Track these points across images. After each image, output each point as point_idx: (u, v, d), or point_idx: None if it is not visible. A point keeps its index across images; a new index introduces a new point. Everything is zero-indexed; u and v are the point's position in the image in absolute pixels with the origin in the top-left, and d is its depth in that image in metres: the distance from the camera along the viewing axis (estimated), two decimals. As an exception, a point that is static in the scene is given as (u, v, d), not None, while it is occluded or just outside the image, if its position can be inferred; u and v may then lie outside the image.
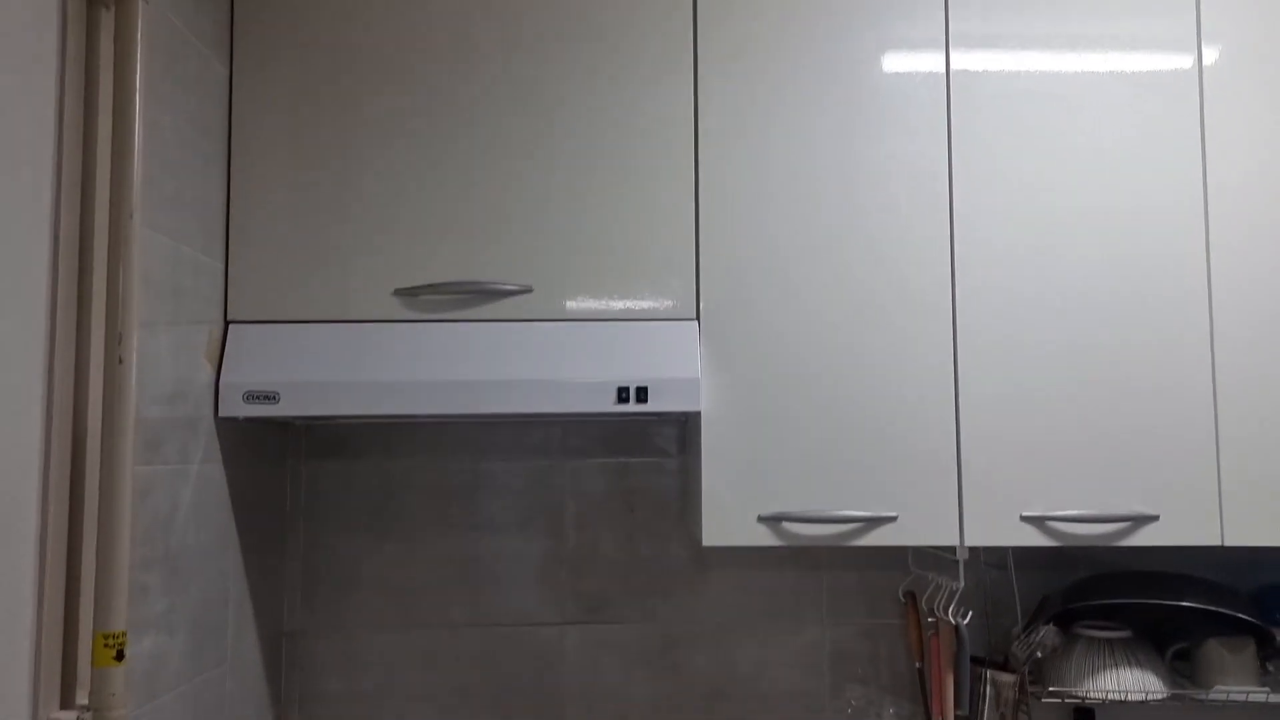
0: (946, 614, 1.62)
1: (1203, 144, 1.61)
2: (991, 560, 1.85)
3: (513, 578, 1.87)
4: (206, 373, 1.48)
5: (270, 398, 1.50)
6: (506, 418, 1.63)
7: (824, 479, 1.56)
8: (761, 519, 1.55)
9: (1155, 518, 1.54)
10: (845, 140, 1.60)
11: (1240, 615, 1.62)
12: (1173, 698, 1.65)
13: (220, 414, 1.49)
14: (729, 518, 1.55)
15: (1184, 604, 1.62)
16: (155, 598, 1.30)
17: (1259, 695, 1.62)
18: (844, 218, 1.59)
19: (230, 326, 1.54)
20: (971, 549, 1.82)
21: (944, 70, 1.61)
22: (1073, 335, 1.58)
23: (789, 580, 1.88)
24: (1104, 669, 1.64)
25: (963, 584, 1.59)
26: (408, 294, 1.56)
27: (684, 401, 1.53)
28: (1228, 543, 1.55)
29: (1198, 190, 1.60)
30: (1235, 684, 1.64)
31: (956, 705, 1.63)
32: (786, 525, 1.55)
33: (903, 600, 1.83)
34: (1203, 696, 1.64)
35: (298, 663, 1.84)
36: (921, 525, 1.55)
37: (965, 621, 1.61)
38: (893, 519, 1.54)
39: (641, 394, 1.52)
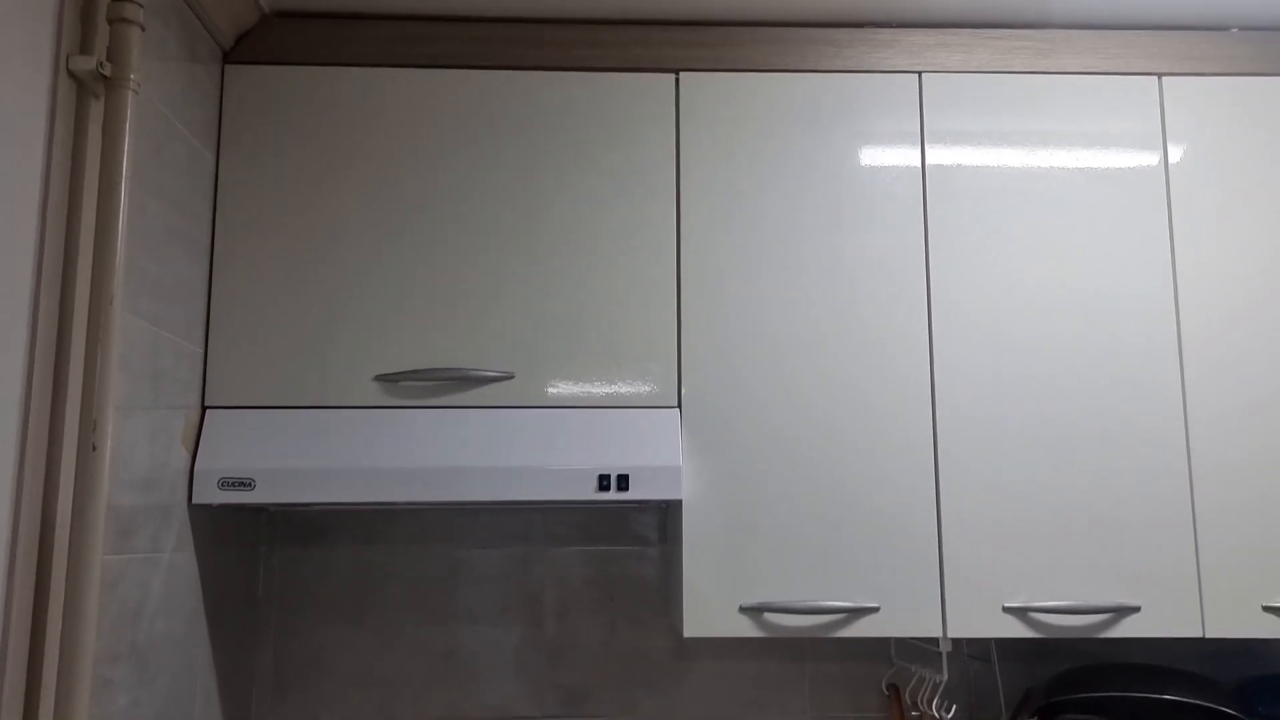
0: (931, 708, 1.60)
1: (1170, 236, 1.65)
2: (975, 652, 1.83)
3: (491, 669, 1.83)
4: (182, 459, 1.46)
5: (245, 484, 1.48)
6: (487, 505, 1.62)
7: (806, 569, 1.55)
8: (743, 609, 1.53)
9: (1137, 609, 1.54)
10: (825, 233, 1.63)
11: (1223, 709, 1.60)
12: (1161, 795, 1.62)
13: (194, 500, 1.47)
14: (710, 608, 1.53)
15: (1167, 697, 1.60)
16: (120, 692, 1.26)
17: (1247, 792, 1.59)
18: (824, 308, 1.61)
19: (207, 412, 1.53)
20: (955, 641, 1.80)
21: (920, 165, 1.66)
22: (1051, 425, 1.59)
23: (771, 671, 1.85)
24: (1090, 765, 1.61)
25: (946, 676, 1.57)
26: (388, 380, 1.55)
27: (665, 489, 1.52)
28: (1209, 634, 1.54)
29: (1167, 280, 1.64)
30: (1223, 780, 1.61)
31: (943, 803, 1.60)
32: (769, 616, 1.53)
33: (886, 693, 1.80)
34: (1190, 794, 1.61)
35: (264, 758, 1.78)
36: (904, 616, 1.53)
37: (950, 716, 1.59)
38: (875, 610, 1.53)
39: (623, 482, 1.51)
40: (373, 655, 1.82)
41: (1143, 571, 1.55)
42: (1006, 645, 1.82)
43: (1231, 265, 1.65)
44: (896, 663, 1.80)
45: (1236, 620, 1.54)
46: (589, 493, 1.51)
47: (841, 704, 1.84)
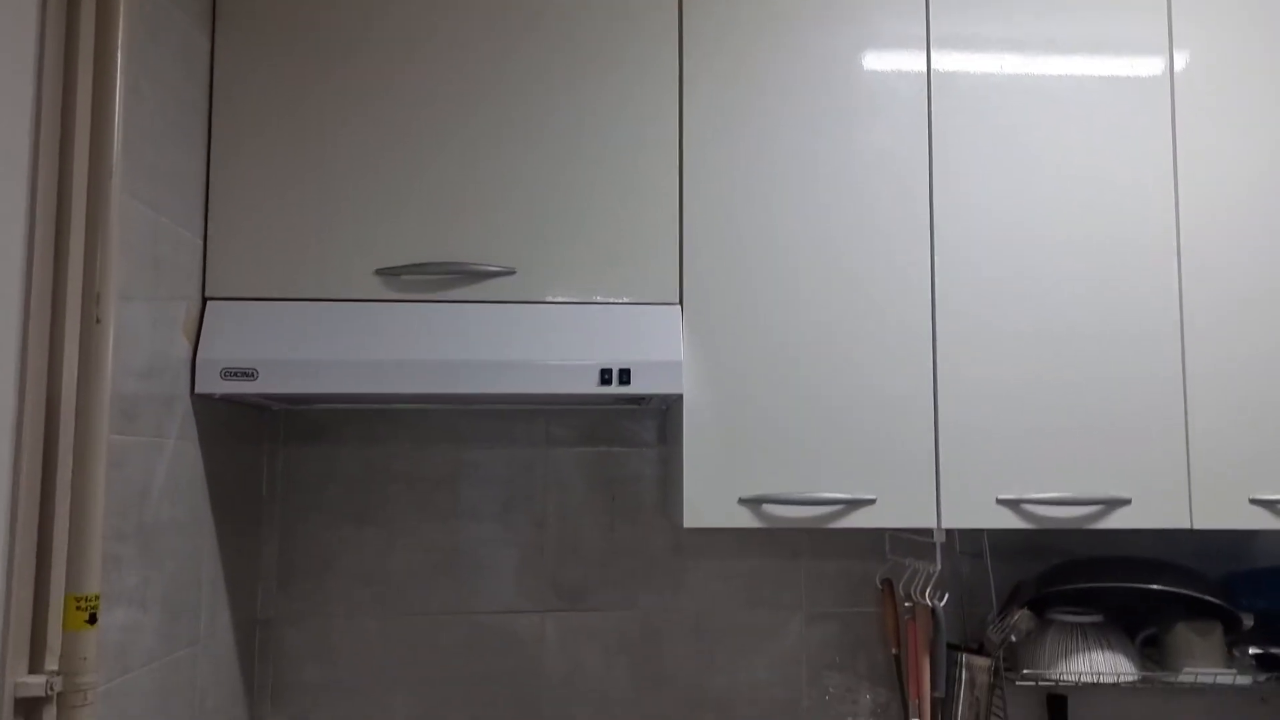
0: (924, 598, 1.63)
1: (1173, 142, 1.64)
2: (967, 549, 1.86)
3: (493, 566, 1.86)
4: (184, 348, 1.47)
5: (248, 374, 1.48)
6: (488, 399, 1.63)
7: (804, 462, 1.57)
8: (742, 501, 1.55)
9: (1127, 501, 1.56)
10: (828, 134, 1.62)
11: (1208, 599, 1.64)
12: (1143, 680, 1.67)
13: (197, 390, 1.47)
14: (710, 499, 1.56)
15: (1154, 587, 1.65)
16: (128, 570, 1.29)
17: (1225, 677, 1.65)
18: (826, 209, 1.61)
19: (208, 303, 1.53)
20: (948, 537, 1.83)
21: (925, 68, 1.64)
22: (1049, 323, 1.60)
23: (768, 569, 1.89)
24: (1076, 652, 1.66)
25: (939, 567, 1.60)
26: (389, 274, 1.55)
27: (666, 384, 1.53)
28: (1196, 525, 1.57)
29: (1169, 186, 1.64)
30: (1203, 667, 1.66)
31: (933, 688, 1.64)
32: (767, 507, 1.55)
33: (880, 587, 1.84)
34: (1171, 679, 1.66)
35: (271, 650, 1.82)
36: (899, 508, 1.56)
37: (942, 604, 1.63)
38: (871, 501, 1.56)
39: (625, 376, 1.52)
40: (376, 552, 1.85)
41: (1134, 465, 1.58)
42: (999, 544, 1.86)
43: (1232, 171, 1.64)
44: (891, 559, 1.83)
45: (1224, 512, 1.57)
46: (591, 387, 1.52)
47: (836, 599, 1.88)
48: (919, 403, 1.58)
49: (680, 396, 1.56)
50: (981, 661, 1.68)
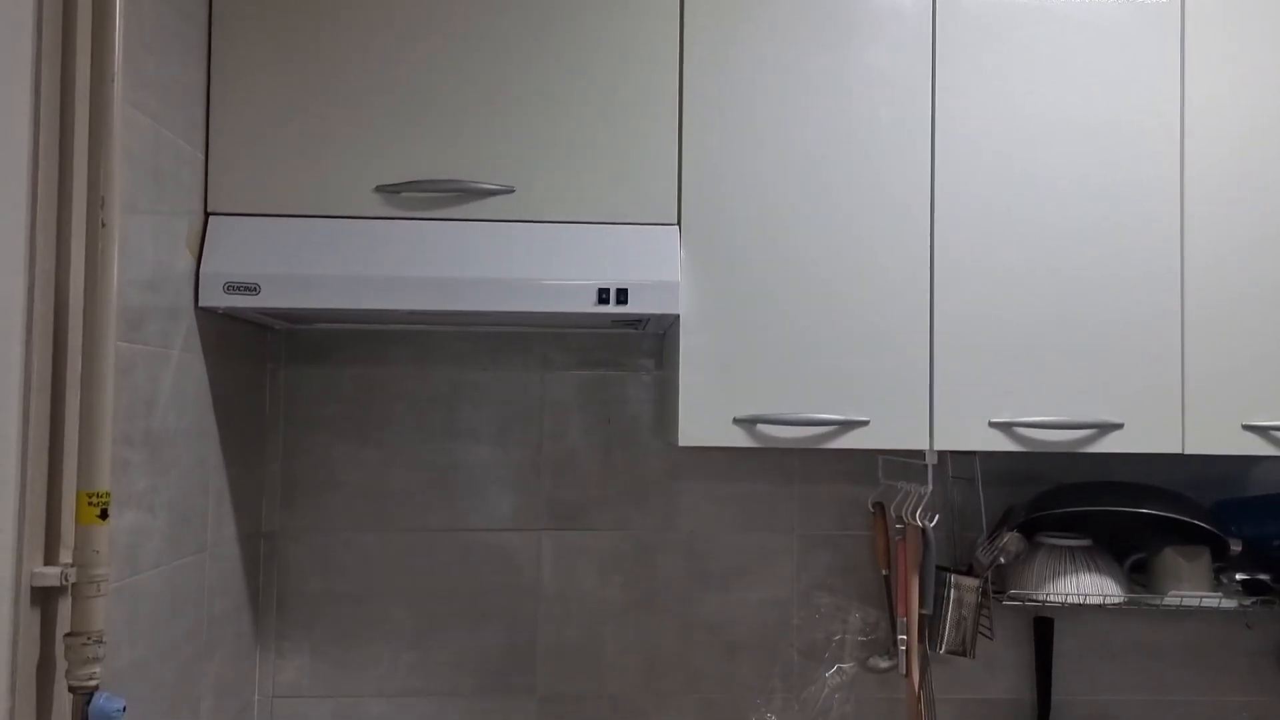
0: (914, 519, 1.66)
1: (1182, 71, 1.63)
2: (960, 474, 1.89)
3: (490, 485, 1.90)
4: (188, 262, 1.48)
5: (251, 289, 1.50)
6: (485, 317, 1.65)
7: (799, 384, 1.59)
8: (737, 421, 1.58)
9: (1120, 425, 1.58)
10: (830, 55, 1.61)
11: (1197, 522, 1.67)
12: (1129, 602, 1.71)
13: (200, 304, 1.49)
14: (705, 419, 1.58)
15: (1143, 510, 1.67)
16: (136, 475, 1.32)
17: (1211, 601, 1.68)
18: (827, 129, 1.61)
19: (210, 218, 1.54)
20: (940, 463, 1.85)
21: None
22: (1046, 249, 1.61)
23: (761, 491, 1.92)
24: (1063, 574, 1.69)
25: (930, 488, 1.63)
26: (389, 191, 1.56)
27: (663, 304, 1.54)
28: (1188, 450, 1.60)
29: (1174, 112, 1.63)
30: (1189, 591, 1.70)
31: (921, 605, 1.68)
32: (761, 427, 1.58)
33: (871, 510, 1.87)
34: (1157, 601, 1.70)
35: (275, 562, 1.86)
36: (892, 430, 1.59)
37: (932, 524, 1.66)
38: (865, 423, 1.58)
39: (622, 296, 1.54)
40: (377, 469, 1.88)
41: (1127, 391, 1.60)
42: (992, 470, 1.88)
43: (1239, 99, 1.64)
44: (883, 483, 1.86)
45: (1216, 438, 1.60)
46: (588, 306, 1.53)
47: (828, 522, 1.91)
48: (915, 326, 1.59)
49: (677, 317, 1.58)
50: (970, 582, 1.71)
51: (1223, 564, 1.76)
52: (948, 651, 1.72)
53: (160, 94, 1.38)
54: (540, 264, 1.55)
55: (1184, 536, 1.73)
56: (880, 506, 1.84)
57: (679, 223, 1.59)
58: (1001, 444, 1.59)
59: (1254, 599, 1.72)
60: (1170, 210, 1.62)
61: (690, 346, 1.58)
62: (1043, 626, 1.86)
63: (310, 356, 1.88)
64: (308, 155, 1.56)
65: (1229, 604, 1.69)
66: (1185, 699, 1.92)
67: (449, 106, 1.58)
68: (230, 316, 1.63)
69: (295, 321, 1.79)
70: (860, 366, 1.59)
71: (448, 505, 1.89)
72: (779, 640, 1.90)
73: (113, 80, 1.10)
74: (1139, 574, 1.78)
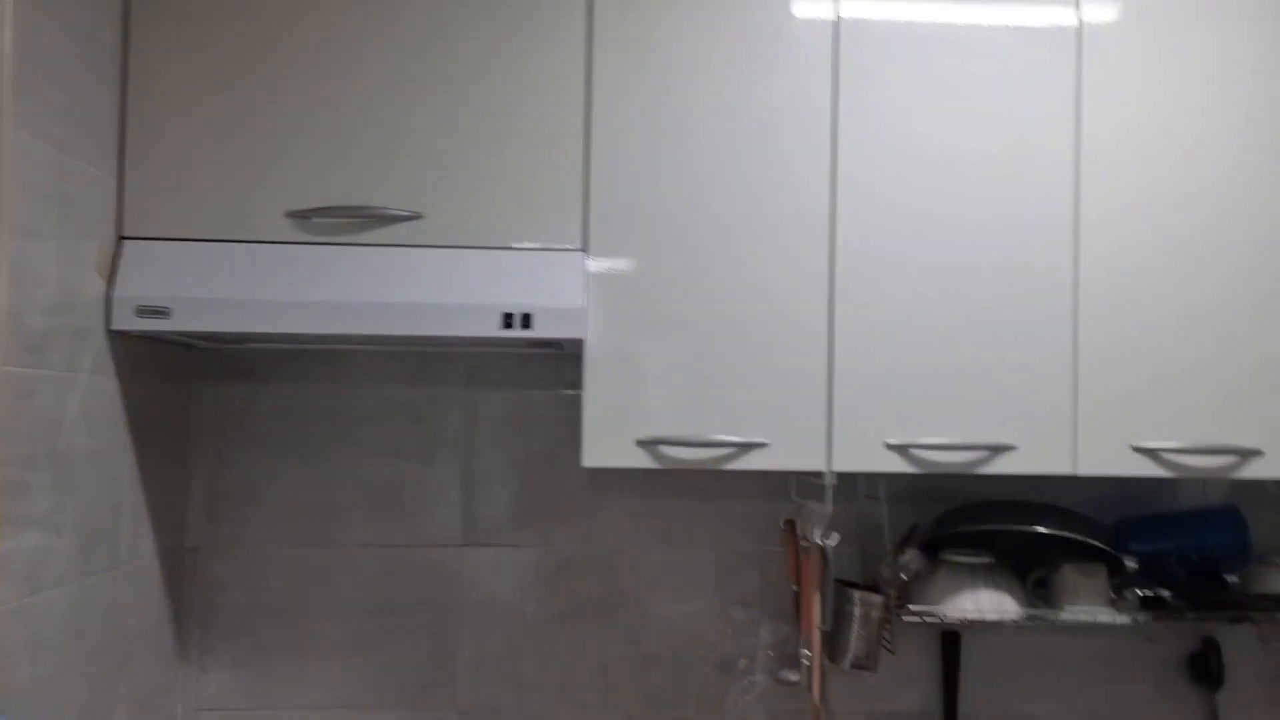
0: (815, 536, 1.71)
1: (1078, 92, 1.68)
2: (873, 492, 1.93)
3: (415, 502, 1.93)
4: (98, 286, 1.52)
5: (162, 312, 1.53)
6: (396, 340, 1.69)
7: (701, 407, 1.63)
8: (640, 442, 1.62)
9: (1014, 447, 1.63)
10: (735, 82, 1.65)
11: (1089, 540, 1.71)
12: (1027, 619, 1.75)
13: (112, 327, 1.53)
14: (609, 440, 1.62)
15: (1038, 529, 1.72)
16: (39, 495, 1.35)
17: (1105, 616, 1.73)
18: (732, 156, 1.65)
19: (124, 242, 1.58)
20: (852, 481, 1.90)
21: (834, 15, 1.66)
22: (943, 275, 1.65)
23: (680, 509, 1.96)
24: (963, 591, 1.74)
25: (829, 508, 1.67)
26: (300, 216, 1.60)
27: (568, 329, 1.58)
28: (1080, 472, 1.64)
29: (1070, 138, 1.67)
30: (1087, 606, 1.74)
31: (821, 622, 1.72)
32: (663, 449, 1.62)
33: (783, 528, 1.91)
34: (1053, 617, 1.74)
35: (200, 577, 1.89)
36: (791, 451, 1.63)
37: (832, 544, 1.70)
38: (764, 445, 1.62)
39: (527, 320, 1.58)
40: (302, 486, 1.91)
41: (1022, 414, 1.64)
42: (911, 488, 1.91)
43: (1133, 126, 1.68)
44: (796, 500, 1.90)
45: (1107, 459, 1.64)
46: (493, 330, 1.57)
47: (744, 539, 1.95)
48: (813, 351, 1.63)
49: (583, 341, 1.62)
50: (874, 598, 1.75)
51: (1125, 580, 1.81)
52: (851, 666, 1.76)
53: (67, 123, 1.41)
54: (447, 288, 1.58)
55: (1084, 554, 1.78)
56: (791, 524, 1.88)
57: (586, 247, 1.63)
58: (897, 465, 1.63)
59: (1151, 615, 1.77)
60: (1064, 237, 1.66)
61: (595, 370, 1.62)
62: (950, 640, 1.90)
63: (237, 375, 1.92)
64: (221, 180, 1.60)
65: (1121, 620, 1.74)
66: (1091, 709, 1.96)
67: (359, 133, 1.61)
68: (151, 338, 1.67)
69: (218, 340, 1.83)
70: (760, 390, 1.63)
71: (373, 521, 1.93)
72: (695, 654, 1.94)
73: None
74: (1043, 589, 1.83)
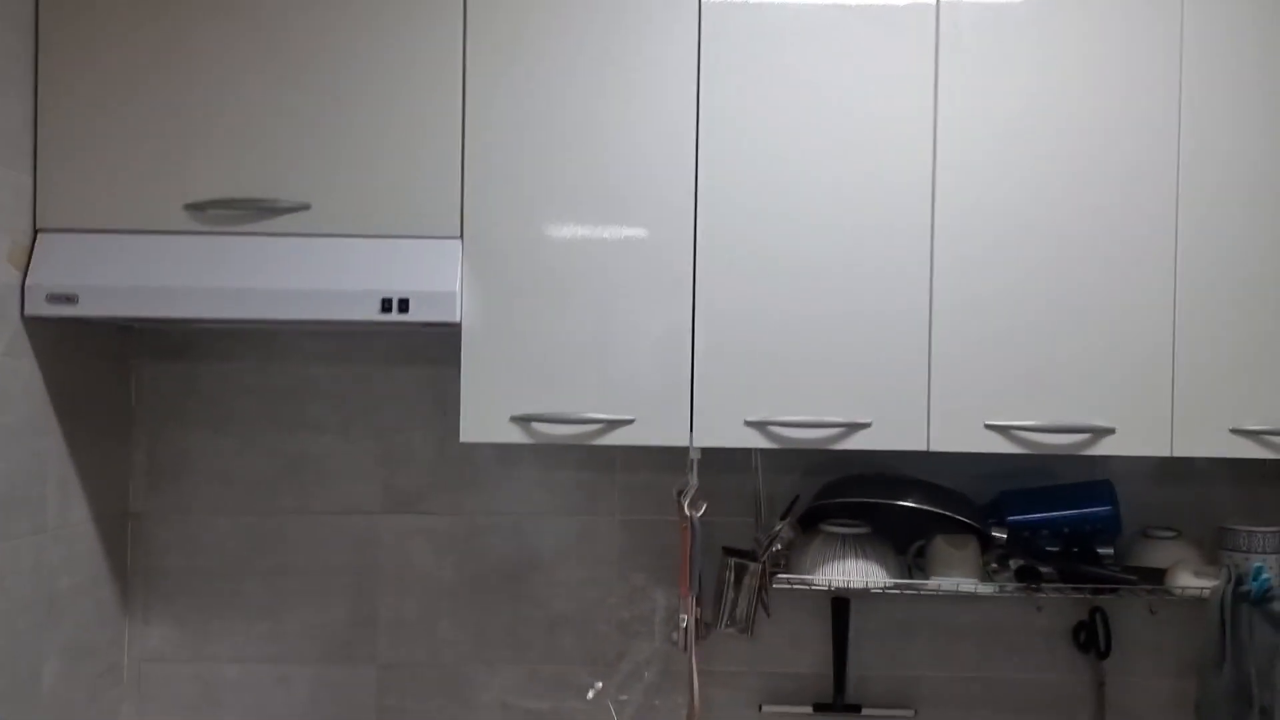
0: (685, 507, 1.80)
1: (935, 79, 1.72)
2: (769, 466, 2.00)
3: (335, 472, 2.07)
4: (12, 275, 1.67)
5: (70, 299, 1.68)
6: (280, 324, 1.82)
7: (572, 385, 1.73)
8: (514, 419, 1.72)
9: (868, 425, 1.69)
10: (602, 70, 1.73)
11: (954, 515, 1.77)
12: (895, 587, 1.82)
13: (26, 313, 1.68)
14: (485, 417, 1.73)
15: (903, 503, 1.78)
16: (-53, 468, 1.51)
17: (968, 585, 1.79)
18: (598, 145, 1.73)
19: (40, 234, 1.72)
20: (749, 455, 1.97)
21: (696, 4, 1.72)
22: (806, 255, 1.72)
23: (585, 479, 2.06)
24: (836, 560, 1.81)
25: (696, 482, 1.76)
26: (196, 209, 1.72)
27: (442, 312, 1.69)
28: (933, 448, 1.70)
29: (928, 121, 1.72)
30: (957, 576, 1.81)
31: (691, 587, 1.82)
32: (535, 425, 1.72)
33: (676, 499, 1.99)
34: (920, 587, 1.81)
35: (142, 540, 2.06)
36: (655, 427, 1.72)
37: (700, 514, 1.79)
38: (630, 421, 1.71)
39: (404, 305, 1.69)
40: (231, 457, 2.06)
41: (877, 390, 1.70)
42: (812, 462, 1.98)
43: (990, 112, 1.72)
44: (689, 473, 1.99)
45: (958, 436, 1.70)
46: (373, 314, 1.68)
47: (646, 508, 2.05)
48: (677, 328, 1.72)
49: (459, 324, 1.72)
50: (747, 564, 1.84)
51: (1004, 552, 1.86)
52: (728, 629, 1.86)
53: (-28, 128, 1.56)
54: (331, 275, 1.70)
55: (955, 526, 1.84)
56: (680, 495, 1.96)
57: (461, 235, 1.73)
58: (756, 441, 1.71)
59: (1024, 585, 1.82)
60: (921, 210, 1.71)
61: (471, 351, 1.73)
62: (840, 606, 1.98)
63: (173, 354, 2.06)
64: (127, 175, 1.73)
65: (985, 589, 1.80)
66: (982, 677, 2.03)
67: (253, 130, 1.73)
68: (86, 321, 1.81)
69: (154, 323, 1.97)
70: (625, 368, 1.72)
71: (297, 491, 2.07)
72: (597, 616, 2.05)
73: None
74: (921, 559, 1.89)
